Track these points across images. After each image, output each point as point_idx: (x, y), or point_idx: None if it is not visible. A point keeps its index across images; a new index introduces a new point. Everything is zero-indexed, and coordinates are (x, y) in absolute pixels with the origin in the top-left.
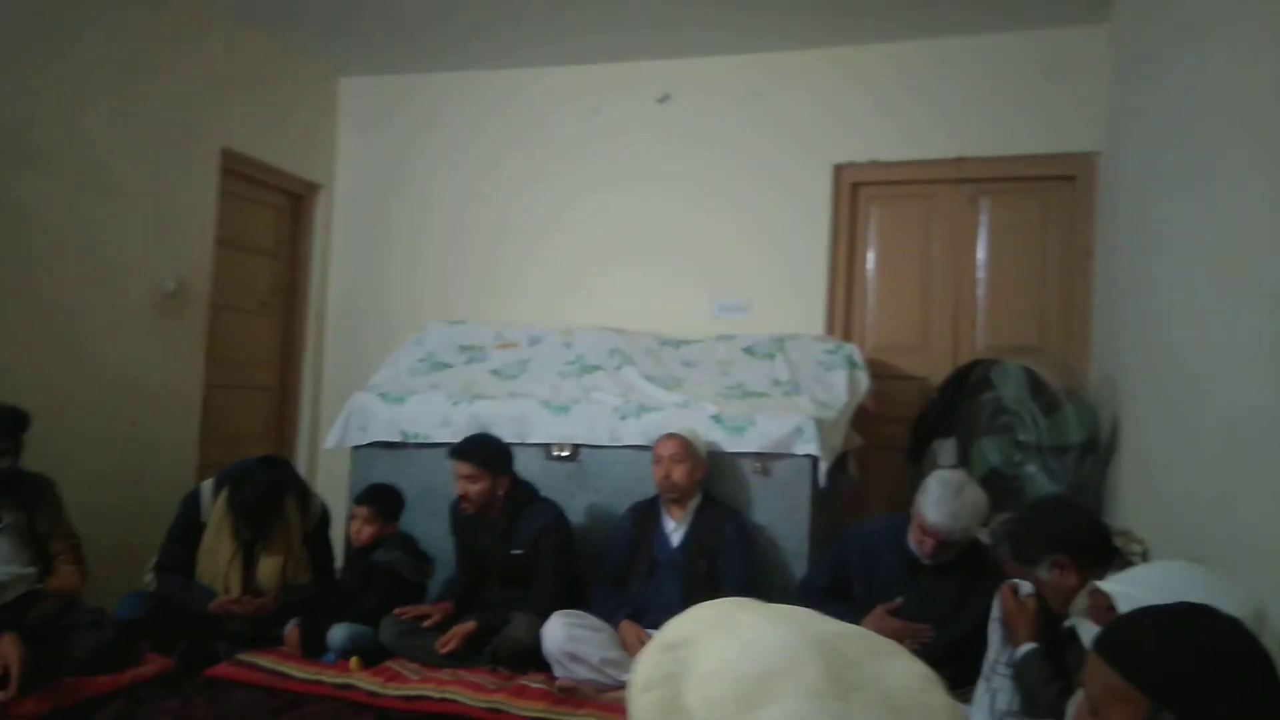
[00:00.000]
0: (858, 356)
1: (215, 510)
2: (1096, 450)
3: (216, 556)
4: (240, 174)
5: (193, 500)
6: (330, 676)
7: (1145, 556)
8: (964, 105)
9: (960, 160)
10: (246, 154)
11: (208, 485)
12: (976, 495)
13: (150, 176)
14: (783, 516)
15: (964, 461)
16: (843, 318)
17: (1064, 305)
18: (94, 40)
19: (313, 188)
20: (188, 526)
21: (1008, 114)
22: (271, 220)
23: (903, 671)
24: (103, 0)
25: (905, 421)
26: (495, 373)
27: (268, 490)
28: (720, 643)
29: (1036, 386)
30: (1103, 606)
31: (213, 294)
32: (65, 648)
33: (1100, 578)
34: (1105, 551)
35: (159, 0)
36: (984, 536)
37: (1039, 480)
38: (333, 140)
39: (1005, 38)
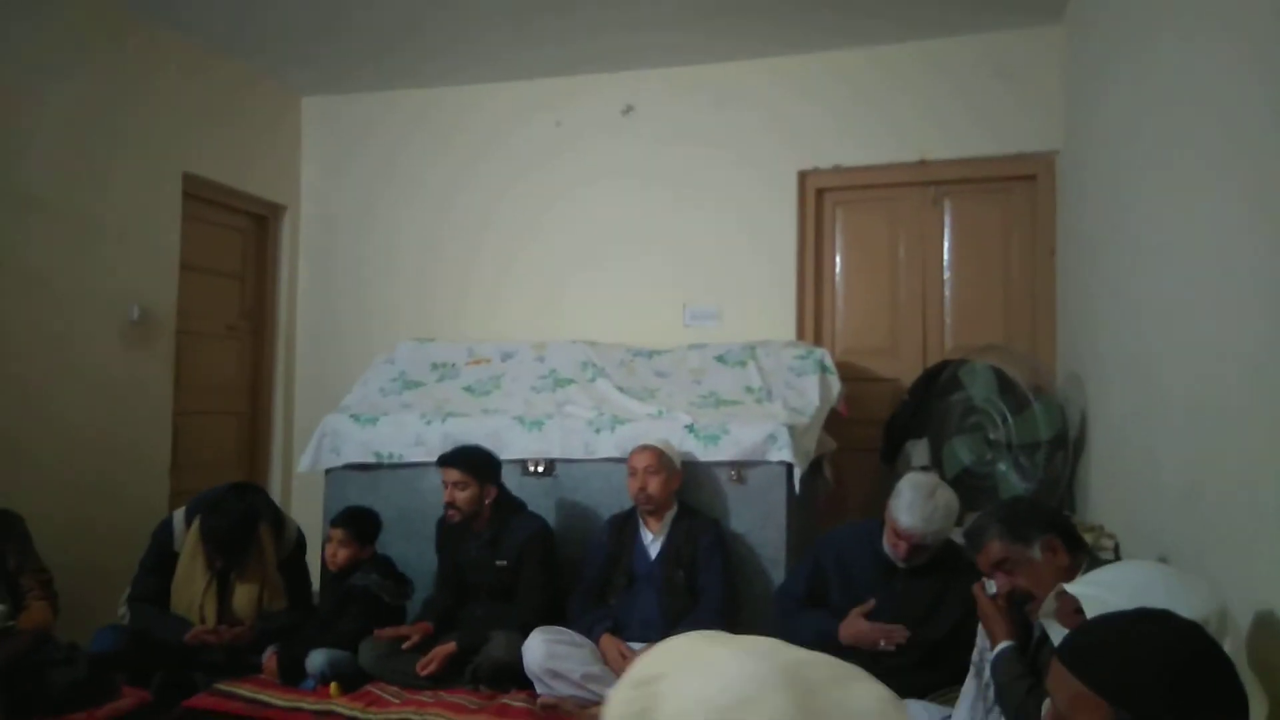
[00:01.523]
0: (828, 361)
1: (188, 540)
2: (1065, 446)
3: (190, 586)
4: (203, 197)
5: (165, 530)
6: (310, 703)
7: (1117, 552)
8: (924, 109)
9: (922, 163)
10: (209, 177)
11: (179, 514)
12: (948, 497)
13: (110, 203)
14: (759, 524)
15: (937, 461)
16: (813, 322)
17: (1029, 303)
18: (49, 67)
19: (277, 209)
20: (160, 557)
21: (967, 116)
22: (237, 243)
23: (865, 695)
24: (54, 25)
25: (878, 424)
26: (468, 389)
27: (239, 519)
28: (690, 677)
29: (1005, 385)
30: (1070, 609)
31: (179, 320)
32: (40, 685)
33: (1080, 567)
34: (1083, 547)
35: (113, 24)
36: (957, 537)
37: (1010, 478)
38: (296, 161)
39: (962, 41)
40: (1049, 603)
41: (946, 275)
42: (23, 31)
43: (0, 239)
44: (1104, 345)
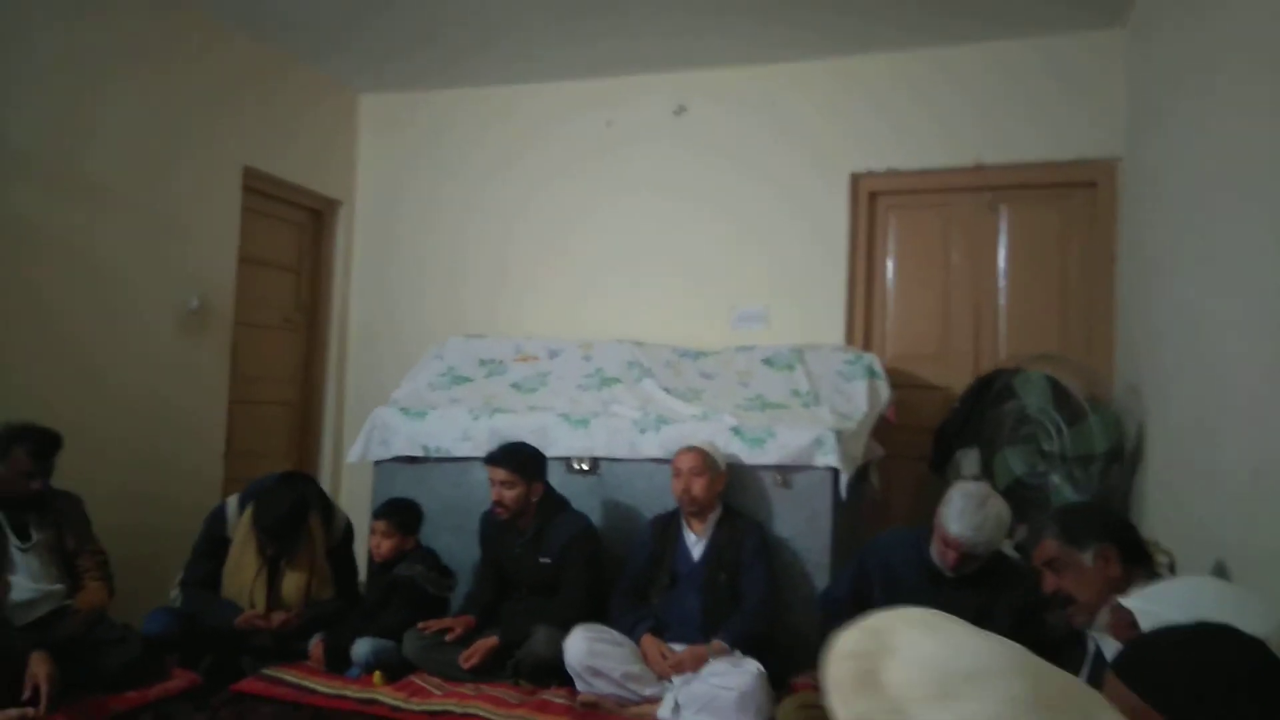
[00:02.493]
0: (878, 366)
1: (240, 527)
2: (1121, 460)
3: (241, 572)
4: (262, 191)
5: (218, 516)
6: (354, 691)
7: (1173, 569)
8: (981, 112)
9: (979, 168)
10: (267, 171)
11: (233, 501)
12: (999, 507)
13: (172, 196)
14: (804, 529)
15: (987, 471)
16: (862, 327)
17: (1087, 312)
18: (113, 63)
19: (333, 204)
20: (213, 543)
21: (1026, 120)
22: (293, 236)
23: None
24: (122, 22)
25: (927, 431)
26: (515, 386)
27: (291, 508)
28: (926, 637)
29: (1060, 395)
30: (1125, 623)
31: (236, 311)
32: (93, 664)
33: (1132, 580)
34: (1144, 562)
35: (178, 21)
36: (1007, 548)
37: (1064, 490)
38: (352, 157)
39: (1022, 44)
40: (1102, 616)
41: (1001, 282)
42: (89, 27)
43: (68, 227)
44: (1165, 357)
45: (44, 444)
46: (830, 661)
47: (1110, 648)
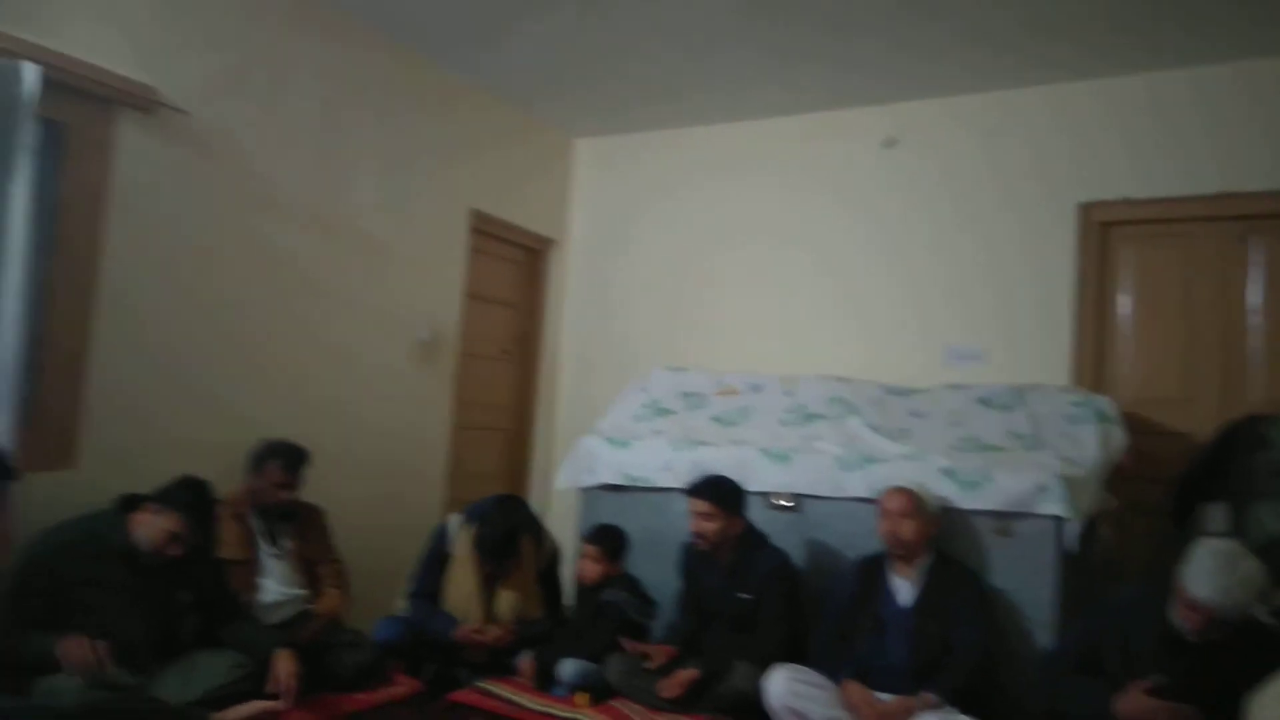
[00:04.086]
0: (1111, 409)
1: (461, 544)
2: None
3: (461, 588)
4: (485, 232)
5: (441, 533)
6: (560, 710)
7: None
8: (1228, 137)
9: (1225, 196)
10: (491, 213)
11: (455, 520)
12: (1252, 568)
13: (410, 237)
14: (1024, 582)
15: (1237, 527)
16: (1092, 368)
17: None
18: (363, 117)
19: (548, 242)
20: (436, 558)
21: (1278, 145)
22: (511, 274)
23: None
24: (370, 77)
25: (1165, 482)
26: (716, 419)
27: (507, 531)
28: None
29: None
30: None
31: (461, 343)
32: (329, 665)
33: None
34: None
35: (417, 76)
36: (1261, 613)
37: None
38: (567, 197)
39: (1273, 63)
40: None
41: (1252, 320)
42: (342, 83)
43: (318, 267)
44: None
45: (294, 458)
46: None
47: None
